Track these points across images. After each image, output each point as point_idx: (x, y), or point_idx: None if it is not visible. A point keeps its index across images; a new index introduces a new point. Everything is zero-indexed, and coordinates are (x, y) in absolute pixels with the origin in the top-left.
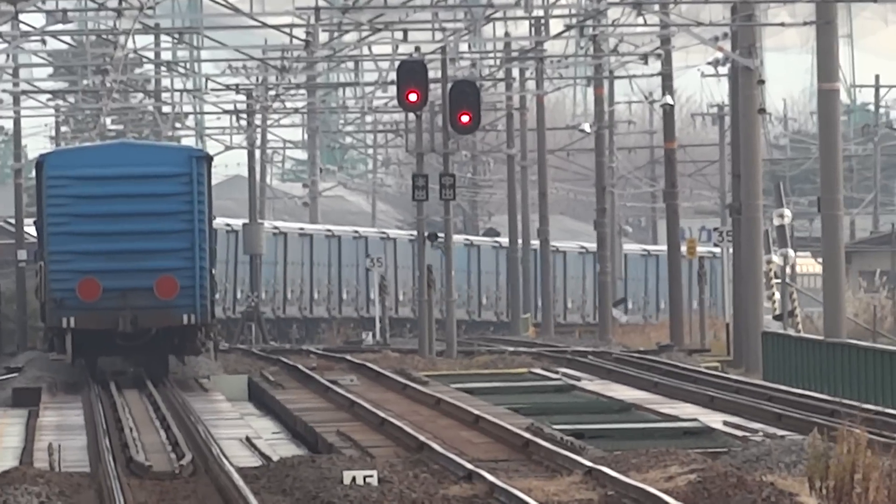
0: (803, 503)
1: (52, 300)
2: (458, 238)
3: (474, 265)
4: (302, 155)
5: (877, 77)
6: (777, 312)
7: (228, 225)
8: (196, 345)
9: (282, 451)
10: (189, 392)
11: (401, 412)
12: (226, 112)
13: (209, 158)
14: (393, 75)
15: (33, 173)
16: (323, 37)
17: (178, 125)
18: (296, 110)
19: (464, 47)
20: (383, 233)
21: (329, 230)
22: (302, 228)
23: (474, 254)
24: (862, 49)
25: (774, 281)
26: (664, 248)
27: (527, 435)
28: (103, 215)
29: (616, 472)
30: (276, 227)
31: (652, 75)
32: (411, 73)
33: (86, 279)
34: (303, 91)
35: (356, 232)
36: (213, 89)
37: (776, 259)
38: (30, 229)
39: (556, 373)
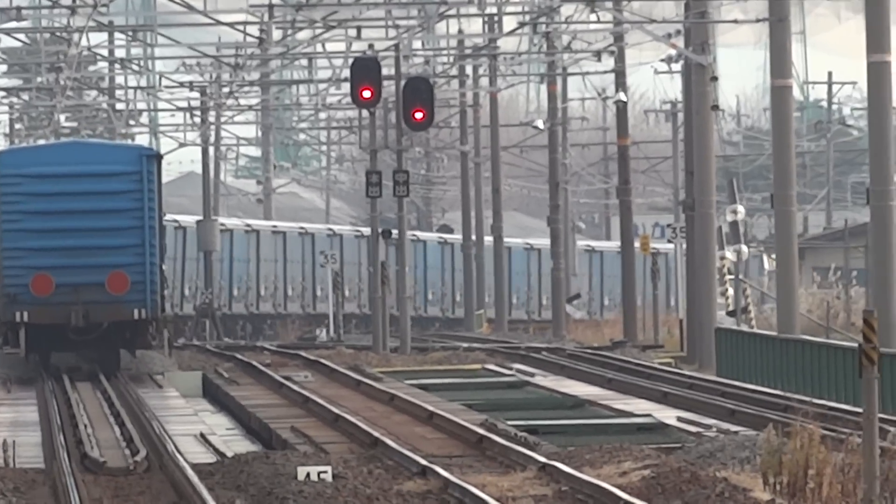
0: (757, 498)
1: (6, 295)
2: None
3: (420, 261)
4: (256, 152)
5: (829, 74)
6: (730, 308)
7: (177, 222)
8: (147, 339)
9: (236, 447)
10: (143, 388)
11: (355, 408)
12: (180, 109)
13: (159, 157)
14: (347, 72)
15: None
16: (277, 34)
17: (132, 122)
18: (250, 107)
19: (417, 44)
20: (330, 229)
21: (275, 226)
22: (248, 225)
23: (420, 249)
24: (815, 46)
25: (728, 277)
26: (610, 244)
27: (481, 431)
28: (56, 212)
29: (570, 468)
30: (222, 224)
31: (605, 72)
32: (365, 70)
33: (39, 275)
34: (257, 88)
35: (303, 228)
36: (166, 86)
37: (729, 255)
38: None
39: (510, 369)
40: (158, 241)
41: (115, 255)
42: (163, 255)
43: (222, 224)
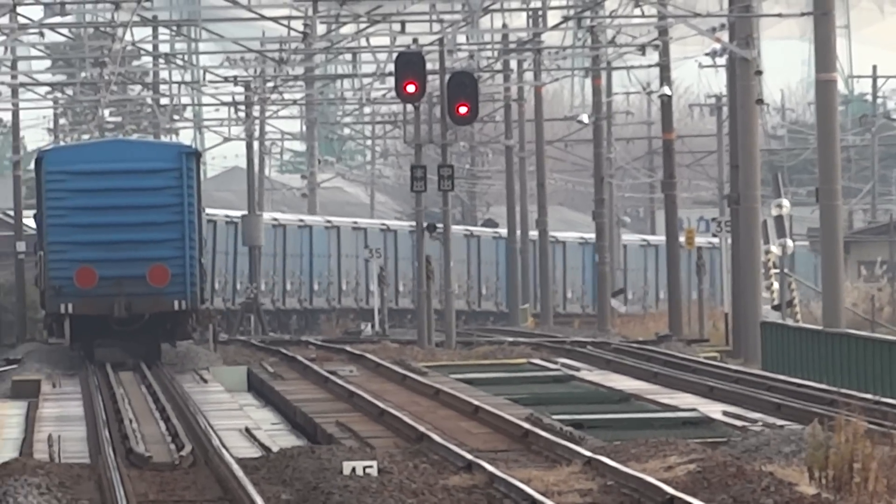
0: (802, 493)
1: (52, 288)
2: (457, 229)
3: (474, 255)
4: (300, 146)
5: (874, 67)
6: (776, 302)
7: (228, 217)
8: (187, 330)
9: (281, 441)
10: (188, 383)
11: (400, 403)
12: (224, 104)
13: (198, 154)
14: (391, 66)
15: (32, 165)
16: (321, 28)
17: (176, 117)
18: (294, 102)
19: (461, 39)
20: (383, 224)
21: (329, 221)
22: (301, 220)
23: (474, 244)
24: (859, 39)
25: (773, 271)
26: (663, 238)
27: (526, 425)
28: (99, 208)
29: (615, 462)
30: (275, 219)
31: (650, 66)
32: (409, 65)
33: (83, 268)
34: (301, 82)
35: (355, 223)
36: (211, 81)
37: (774, 249)
38: (28, 221)
39: (555, 363)
40: (198, 236)
41: (155, 248)
42: (202, 249)
43: (275, 219)
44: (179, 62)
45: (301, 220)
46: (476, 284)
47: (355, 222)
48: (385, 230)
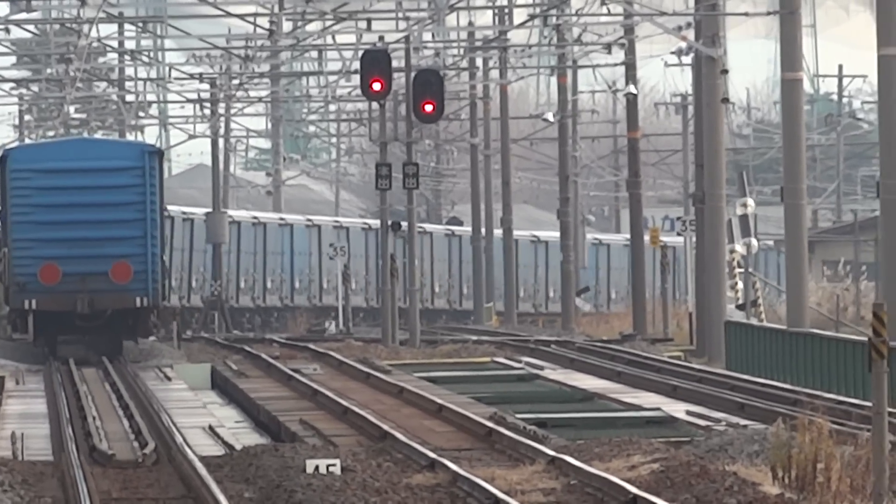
0: (766, 492)
1: (16, 284)
2: (438, 228)
3: (455, 255)
4: (265, 144)
5: (840, 67)
6: (740, 302)
7: (184, 213)
8: (149, 326)
9: (245, 439)
10: (152, 380)
11: (364, 401)
12: (189, 101)
13: (161, 153)
14: (356, 64)
15: None
16: (286, 26)
17: (141, 114)
18: (259, 99)
19: (427, 36)
20: (337, 221)
21: (282, 219)
22: (255, 217)
23: (455, 244)
24: (825, 39)
25: (737, 270)
26: (618, 237)
27: (490, 424)
28: (63, 205)
29: (579, 461)
30: (230, 216)
31: (615, 65)
32: (375, 63)
33: (46, 264)
34: (266, 80)
35: (309, 220)
36: (176, 78)
37: (739, 248)
38: None
39: (519, 362)
40: (160, 233)
41: (118, 245)
42: (164, 247)
43: (255, 217)
44: (145, 59)
45: (255, 218)
46: (457, 284)
47: (309, 219)
48: (338, 227)
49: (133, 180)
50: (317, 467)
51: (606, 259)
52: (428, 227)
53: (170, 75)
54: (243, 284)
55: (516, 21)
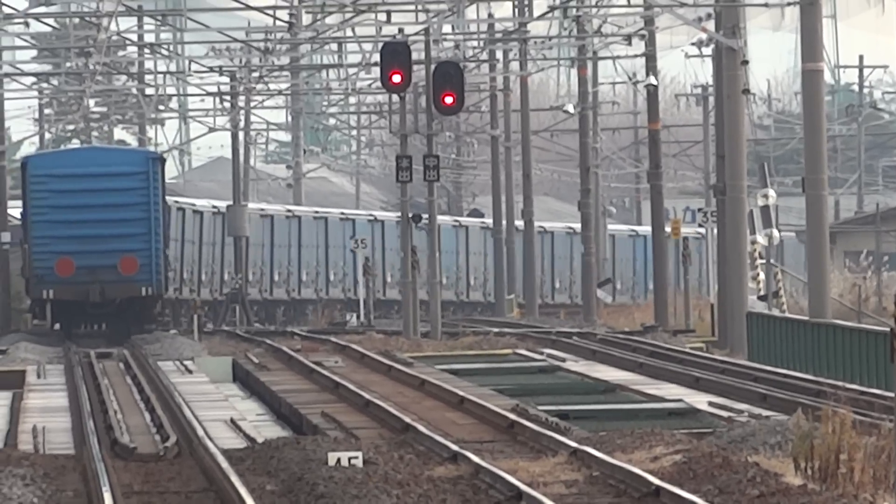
0: (788, 483)
1: (35, 276)
2: (444, 219)
3: (462, 246)
4: (285, 137)
5: (861, 57)
6: (762, 293)
7: (215, 207)
8: (153, 313)
9: (266, 432)
10: (173, 374)
11: (385, 393)
12: (209, 94)
13: (163, 159)
14: (376, 57)
15: (17, 154)
16: (306, 18)
17: (161, 107)
18: (279, 92)
19: (447, 28)
20: (371, 215)
21: (317, 212)
22: (290, 210)
23: (462, 235)
24: (846, 29)
25: (759, 261)
26: (621, 227)
27: (512, 416)
28: (76, 206)
29: (601, 453)
30: (262, 209)
31: (636, 56)
32: (395, 55)
33: (62, 259)
34: (286, 73)
35: (343, 213)
36: (196, 71)
37: (760, 239)
38: (13, 212)
39: (541, 354)
40: (162, 230)
41: (125, 241)
42: (167, 242)
43: (289, 210)
44: (165, 52)
45: (289, 211)
46: (465, 275)
47: (343, 213)
48: (372, 221)
49: (138, 184)
50: (339, 460)
51: (644, 250)
52: (463, 220)
53: (189, 68)
54: (277, 277)
55: (536, 13)
